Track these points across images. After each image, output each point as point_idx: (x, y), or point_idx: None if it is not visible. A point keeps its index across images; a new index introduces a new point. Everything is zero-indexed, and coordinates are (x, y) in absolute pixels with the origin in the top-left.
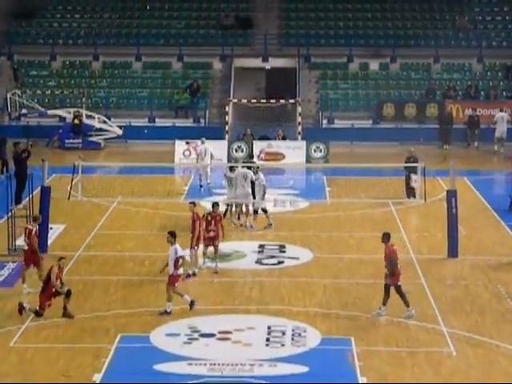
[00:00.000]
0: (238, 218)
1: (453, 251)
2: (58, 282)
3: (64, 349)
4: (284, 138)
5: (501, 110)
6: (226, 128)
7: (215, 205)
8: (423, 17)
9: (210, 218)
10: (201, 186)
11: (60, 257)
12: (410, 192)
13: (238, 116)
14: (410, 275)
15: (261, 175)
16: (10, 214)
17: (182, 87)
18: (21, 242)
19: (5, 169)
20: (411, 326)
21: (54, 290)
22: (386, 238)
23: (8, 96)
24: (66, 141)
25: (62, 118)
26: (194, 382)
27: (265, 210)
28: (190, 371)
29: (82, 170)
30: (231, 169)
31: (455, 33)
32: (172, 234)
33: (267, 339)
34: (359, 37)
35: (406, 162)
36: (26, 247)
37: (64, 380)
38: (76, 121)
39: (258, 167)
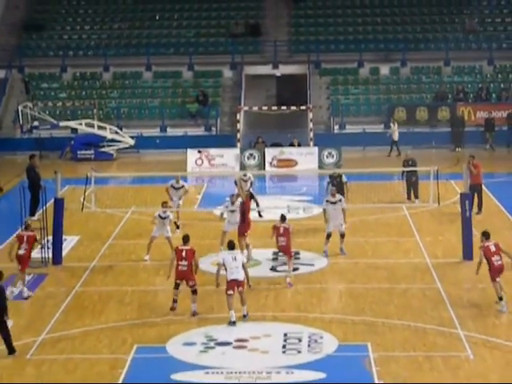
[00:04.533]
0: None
1: (468, 254)
2: None
3: (81, 360)
4: (299, 145)
5: None
6: (238, 136)
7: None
8: (432, 20)
9: None
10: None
11: None
12: (412, 193)
13: (250, 123)
14: (425, 279)
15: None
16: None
17: (193, 95)
18: (36, 253)
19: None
20: (428, 330)
21: None
22: None
23: (20, 109)
24: (79, 152)
25: (74, 130)
26: None
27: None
28: (207, 380)
29: (94, 181)
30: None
31: (465, 35)
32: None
33: (284, 346)
34: (369, 41)
35: (403, 166)
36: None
37: None
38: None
39: None
